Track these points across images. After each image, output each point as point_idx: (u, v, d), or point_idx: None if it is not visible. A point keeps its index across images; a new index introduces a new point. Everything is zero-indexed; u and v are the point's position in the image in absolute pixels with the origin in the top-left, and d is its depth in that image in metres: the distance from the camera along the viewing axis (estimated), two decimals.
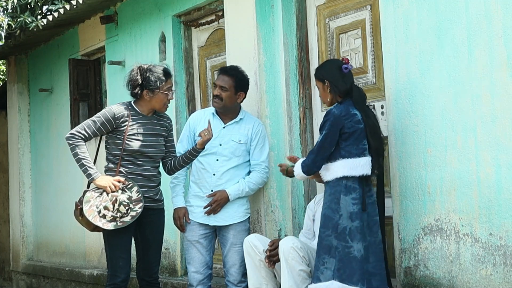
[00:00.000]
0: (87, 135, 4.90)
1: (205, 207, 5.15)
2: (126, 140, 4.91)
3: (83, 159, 4.86)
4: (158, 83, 4.91)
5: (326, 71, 4.54)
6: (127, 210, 4.81)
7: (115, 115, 4.92)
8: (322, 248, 4.31)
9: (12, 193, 10.20)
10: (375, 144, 4.42)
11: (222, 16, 6.20)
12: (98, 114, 4.97)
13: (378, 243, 4.37)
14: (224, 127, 5.20)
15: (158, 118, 5.05)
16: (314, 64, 5.49)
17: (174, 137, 6.63)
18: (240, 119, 5.23)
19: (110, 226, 4.80)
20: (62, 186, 8.90)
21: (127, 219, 4.83)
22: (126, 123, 4.92)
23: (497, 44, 4.03)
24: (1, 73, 13.97)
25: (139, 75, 4.93)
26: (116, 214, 4.80)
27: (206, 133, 4.94)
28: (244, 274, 5.11)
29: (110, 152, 4.98)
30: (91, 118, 4.98)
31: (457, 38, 4.25)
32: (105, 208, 4.80)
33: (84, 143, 4.89)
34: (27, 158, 9.90)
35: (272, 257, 4.75)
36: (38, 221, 9.72)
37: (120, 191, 4.83)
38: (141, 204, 4.87)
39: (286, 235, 5.21)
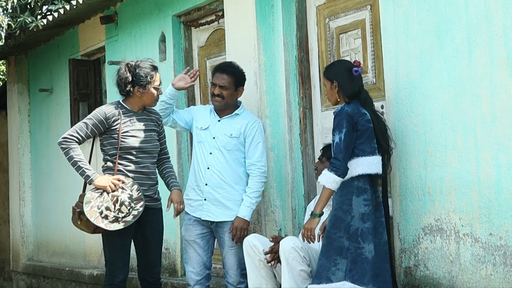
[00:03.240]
0: (80, 138, 4.89)
1: (232, 240, 5.08)
2: (121, 138, 4.89)
3: (79, 161, 4.84)
4: (148, 78, 4.93)
5: (336, 71, 4.52)
6: (129, 209, 4.80)
7: (106, 115, 4.91)
8: (333, 249, 4.31)
9: (12, 193, 10.20)
10: (385, 145, 4.43)
11: (222, 16, 6.20)
12: (90, 116, 4.96)
13: (383, 244, 4.37)
14: (219, 121, 5.19)
15: (149, 114, 5.06)
16: (314, 64, 5.49)
17: (174, 138, 6.66)
18: (236, 114, 5.21)
19: (112, 227, 4.78)
20: (62, 186, 8.90)
21: (129, 218, 4.82)
22: (118, 121, 4.91)
23: (497, 44, 4.03)
24: (1, 73, 13.97)
25: (128, 72, 4.95)
26: (118, 214, 4.78)
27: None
28: (243, 275, 5.10)
29: (107, 153, 4.96)
30: (83, 121, 4.96)
31: (457, 38, 4.25)
32: (107, 208, 4.78)
33: (78, 146, 4.88)
34: (27, 158, 9.91)
35: (274, 253, 4.74)
36: (38, 221, 9.72)
37: (120, 190, 4.83)
38: (142, 203, 4.86)
39: (286, 235, 5.21)
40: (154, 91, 4.97)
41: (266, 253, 4.79)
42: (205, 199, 5.14)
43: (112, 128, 4.92)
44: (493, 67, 4.06)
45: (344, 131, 4.29)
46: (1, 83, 11.79)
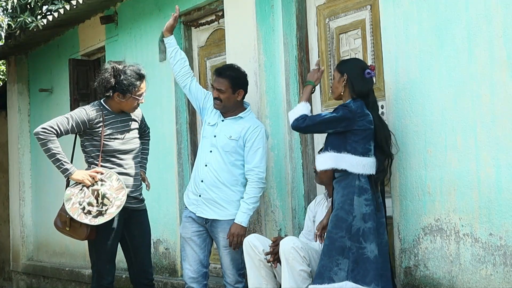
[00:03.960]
0: (59, 132, 4.80)
1: (229, 245, 5.05)
2: (104, 141, 4.85)
3: (58, 154, 4.76)
4: (130, 87, 4.84)
5: (349, 66, 4.54)
6: (111, 201, 4.73)
7: (89, 116, 4.84)
8: (335, 249, 4.31)
9: (12, 193, 10.20)
10: (388, 151, 4.44)
11: (222, 16, 6.19)
12: (72, 114, 4.86)
13: (385, 244, 4.37)
14: (222, 121, 5.19)
15: (129, 113, 5.02)
16: (314, 64, 5.49)
17: (174, 138, 6.66)
18: (240, 117, 5.18)
19: (97, 221, 4.70)
20: (62, 186, 8.81)
21: (113, 210, 4.74)
22: (101, 123, 4.85)
23: (497, 44, 4.03)
24: (1, 73, 13.97)
25: (112, 77, 4.84)
26: (102, 207, 4.70)
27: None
28: (241, 274, 5.09)
29: (89, 155, 4.90)
30: (64, 115, 4.87)
31: (457, 38, 4.25)
32: (89, 204, 4.70)
33: (56, 139, 4.78)
34: (27, 158, 9.91)
35: (274, 254, 4.74)
36: (38, 221, 9.72)
37: (100, 183, 4.76)
38: (124, 192, 4.79)
39: (286, 235, 5.20)
40: (134, 101, 4.91)
41: (266, 254, 4.79)
42: (199, 195, 5.13)
43: (95, 130, 4.85)
44: (493, 67, 4.05)
45: (334, 115, 4.37)
46: (1, 83, 11.79)
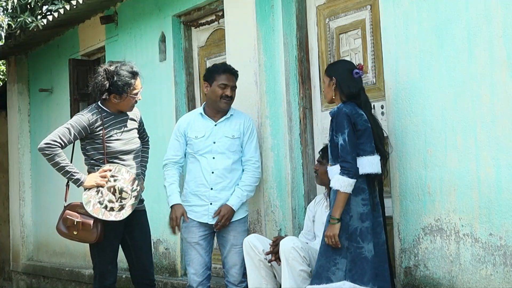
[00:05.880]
0: (63, 144, 4.82)
1: (215, 226, 5.09)
2: (106, 143, 4.85)
3: (66, 166, 4.80)
4: (125, 88, 4.83)
5: (337, 69, 4.53)
6: (129, 193, 4.81)
7: (89, 121, 4.84)
8: (332, 249, 4.31)
9: (12, 193, 10.20)
10: (382, 150, 4.44)
11: (222, 16, 6.20)
12: (72, 123, 4.86)
13: (382, 244, 4.37)
14: (215, 125, 5.19)
15: (127, 113, 5.01)
16: (314, 64, 5.49)
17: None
18: (231, 115, 5.22)
19: (121, 215, 4.78)
20: (62, 186, 8.83)
21: (132, 201, 4.83)
22: (101, 126, 4.86)
23: (497, 44, 4.03)
24: (1, 73, 13.97)
25: (106, 80, 4.83)
26: (122, 202, 4.79)
27: None
28: (244, 274, 5.10)
29: (91, 158, 4.90)
30: (64, 126, 4.87)
31: (457, 38, 4.25)
32: (110, 201, 4.77)
33: (61, 151, 4.80)
34: (27, 158, 9.91)
35: (275, 254, 4.74)
36: (38, 221, 9.72)
37: (112, 179, 4.80)
38: (137, 181, 4.87)
39: (286, 235, 5.20)
40: (131, 100, 4.90)
41: (266, 254, 4.79)
42: (211, 204, 5.13)
43: (95, 133, 4.86)
44: (493, 67, 4.05)
45: (347, 131, 4.28)
46: (1, 83, 11.79)
